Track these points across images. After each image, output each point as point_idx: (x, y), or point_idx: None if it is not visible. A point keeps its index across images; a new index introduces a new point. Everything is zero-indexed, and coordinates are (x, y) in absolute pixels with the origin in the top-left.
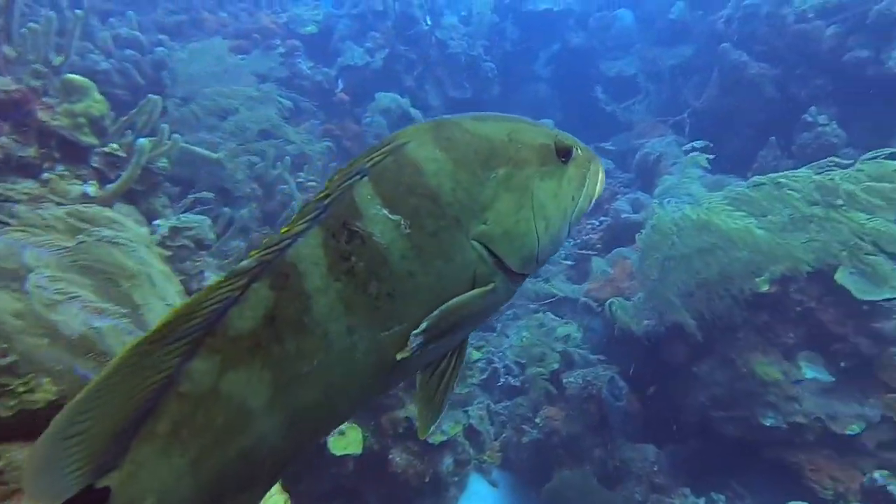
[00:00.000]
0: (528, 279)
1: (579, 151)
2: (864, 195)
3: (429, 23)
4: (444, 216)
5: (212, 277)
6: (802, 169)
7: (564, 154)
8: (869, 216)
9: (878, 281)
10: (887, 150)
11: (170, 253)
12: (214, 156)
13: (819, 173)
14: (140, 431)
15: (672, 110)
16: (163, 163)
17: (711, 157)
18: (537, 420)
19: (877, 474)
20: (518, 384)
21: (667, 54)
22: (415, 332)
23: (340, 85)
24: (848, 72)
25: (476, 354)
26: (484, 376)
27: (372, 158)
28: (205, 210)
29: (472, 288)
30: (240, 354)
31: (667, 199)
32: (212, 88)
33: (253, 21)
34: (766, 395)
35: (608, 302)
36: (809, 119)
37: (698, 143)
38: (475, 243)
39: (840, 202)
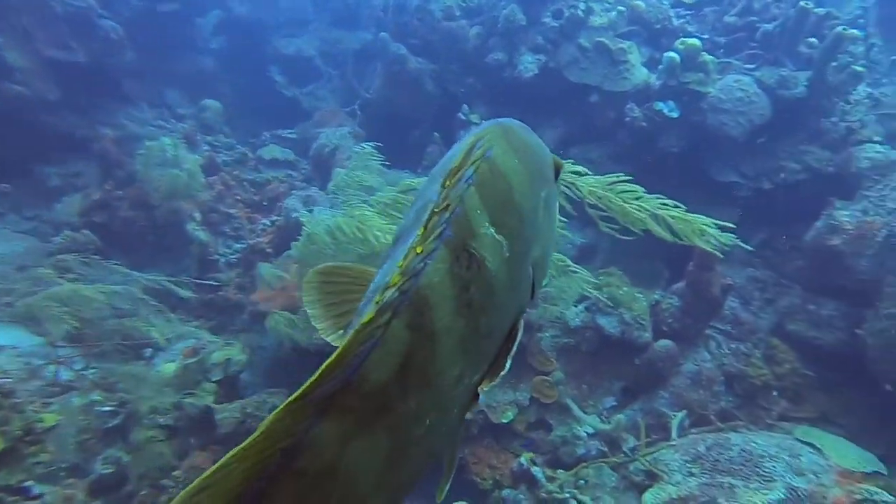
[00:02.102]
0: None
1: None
2: None
3: None
4: (525, 238)
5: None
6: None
7: (558, 171)
8: None
9: None
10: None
11: None
12: None
13: None
14: None
15: (354, 99)
16: None
17: (377, 152)
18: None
19: (523, 459)
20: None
21: (348, 37)
22: (492, 378)
23: None
24: (492, 73)
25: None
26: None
27: (474, 163)
28: None
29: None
30: (367, 416)
31: (329, 202)
32: None
33: None
34: None
35: (270, 314)
36: (463, 117)
37: (369, 144)
38: (530, 269)
39: None
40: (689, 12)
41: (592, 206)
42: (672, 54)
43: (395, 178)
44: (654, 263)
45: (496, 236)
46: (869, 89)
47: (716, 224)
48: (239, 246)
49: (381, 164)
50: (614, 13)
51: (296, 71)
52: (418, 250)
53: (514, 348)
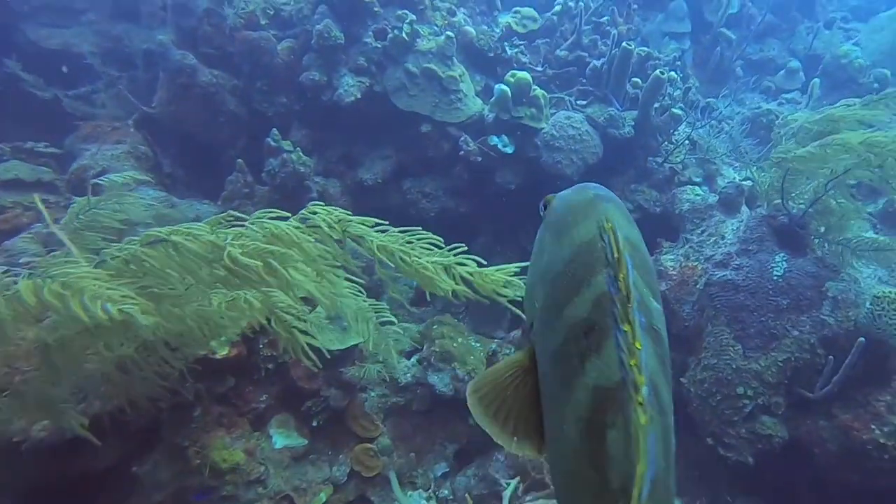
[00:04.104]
0: None
1: None
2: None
3: None
4: (658, 294)
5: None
6: (202, 224)
7: None
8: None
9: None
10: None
11: None
12: None
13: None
14: None
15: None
16: None
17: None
18: None
19: None
20: None
21: (138, 34)
22: None
23: None
24: (308, 93)
25: None
26: None
27: (621, 246)
28: None
29: None
30: None
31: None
32: None
33: None
34: (222, 488)
35: None
36: (273, 143)
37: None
38: None
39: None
40: (522, 42)
41: (383, 265)
42: (503, 87)
43: (188, 209)
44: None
45: (658, 306)
46: (688, 130)
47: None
48: None
49: (161, 194)
50: (443, 38)
51: (59, 69)
52: (638, 346)
53: None
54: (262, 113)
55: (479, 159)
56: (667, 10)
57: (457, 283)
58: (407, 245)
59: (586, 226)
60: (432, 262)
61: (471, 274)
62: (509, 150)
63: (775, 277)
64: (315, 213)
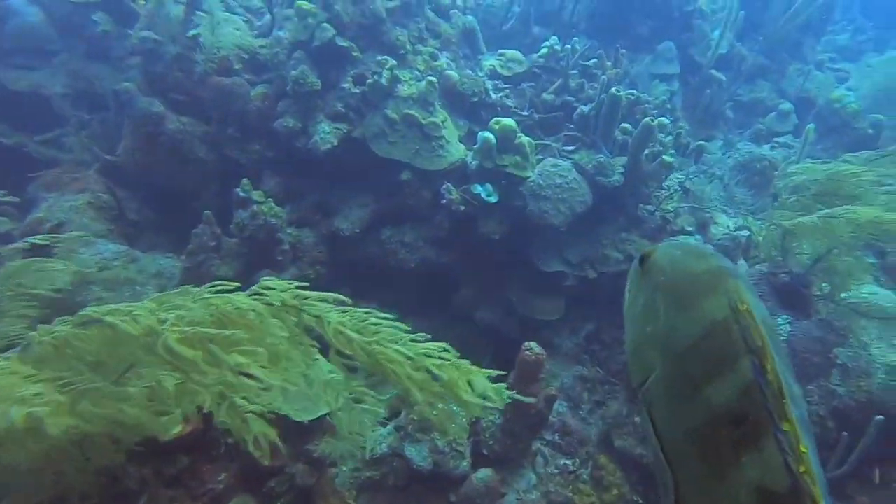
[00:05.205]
0: None
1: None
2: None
3: None
4: None
5: None
6: (145, 303)
7: None
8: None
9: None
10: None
11: None
12: None
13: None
14: None
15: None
16: None
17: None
18: None
19: None
20: None
21: (111, 76)
22: None
23: None
24: (282, 140)
25: None
26: None
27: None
28: None
29: None
30: None
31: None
32: None
33: None
34: None
35: None
36: (242, 194)
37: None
38: None
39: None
40: (507, 86)
41: (340, 354)
42: (487, 135)
43: (150, 264)
44: (480, 361)
45: (798, 389)
46: (680, 176)
47: (486, 374)
48: None
49: (121, 248)
50: (424, 83)
51: (25, 112)
52: (803, 450)
53: None
54: (234, 160)
55: (462, 208)
56: (655, 52)
57: (422, 378)
58: (371, 327)
59: (717, 302)
60: (397, 351)
61: (438, 365)
62: (493, 199)
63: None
64: (269, 289)
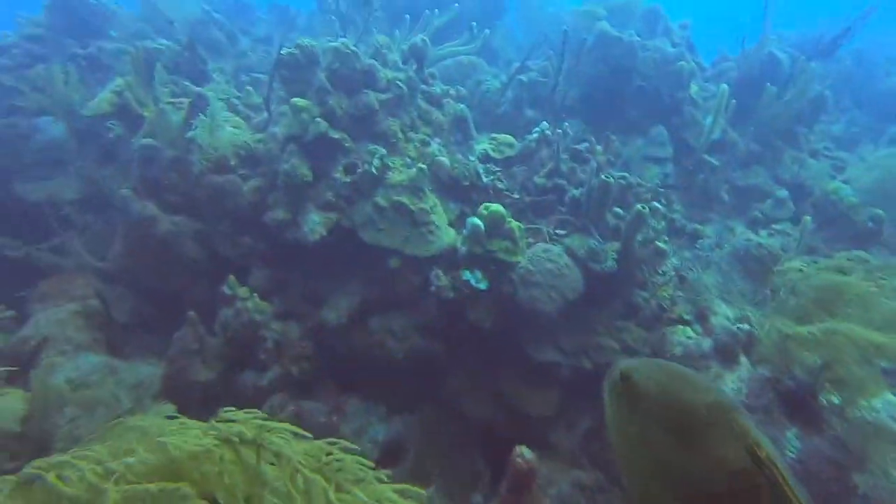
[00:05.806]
0: None
1: None
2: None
3: None
4: None
5: None
6: (98, 447)
7: None
8: None
9: None
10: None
11: None
12: None
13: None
14: None
15: None
16: None
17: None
18: None
19: None
20: None
21: (116, 177)
22: None
23: None
24: (272, 232)
25: None
26: None
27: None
28: None
29: None
30: None
31: None
32: None
33: None
34: None
35: None
36: (228, 292)
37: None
38: None
39: None
40: (498, 169)
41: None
42: (475, 220)
43: (129, 375)
44: (472, 460)
45: None
46: (676, 262)
47: None
48: None
49: (102, 360)
50: (414, 170)
51: (36, 221)
52: None
53: None
54: (223, 256)
55: (452, 295)
56: (647, 136)
57: None
58: (334, 465)
59: (729, 445)
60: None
61: None
62: (482, 286)
63: (789, 460)
64: (229, 421)
